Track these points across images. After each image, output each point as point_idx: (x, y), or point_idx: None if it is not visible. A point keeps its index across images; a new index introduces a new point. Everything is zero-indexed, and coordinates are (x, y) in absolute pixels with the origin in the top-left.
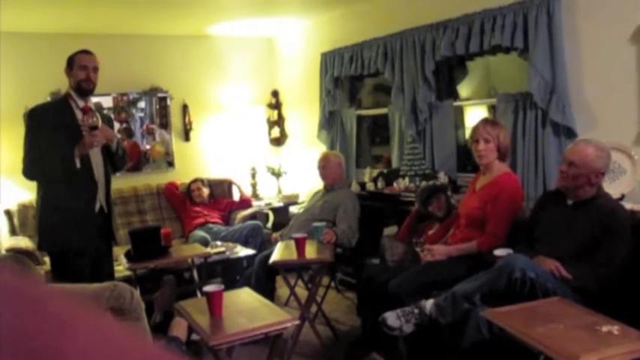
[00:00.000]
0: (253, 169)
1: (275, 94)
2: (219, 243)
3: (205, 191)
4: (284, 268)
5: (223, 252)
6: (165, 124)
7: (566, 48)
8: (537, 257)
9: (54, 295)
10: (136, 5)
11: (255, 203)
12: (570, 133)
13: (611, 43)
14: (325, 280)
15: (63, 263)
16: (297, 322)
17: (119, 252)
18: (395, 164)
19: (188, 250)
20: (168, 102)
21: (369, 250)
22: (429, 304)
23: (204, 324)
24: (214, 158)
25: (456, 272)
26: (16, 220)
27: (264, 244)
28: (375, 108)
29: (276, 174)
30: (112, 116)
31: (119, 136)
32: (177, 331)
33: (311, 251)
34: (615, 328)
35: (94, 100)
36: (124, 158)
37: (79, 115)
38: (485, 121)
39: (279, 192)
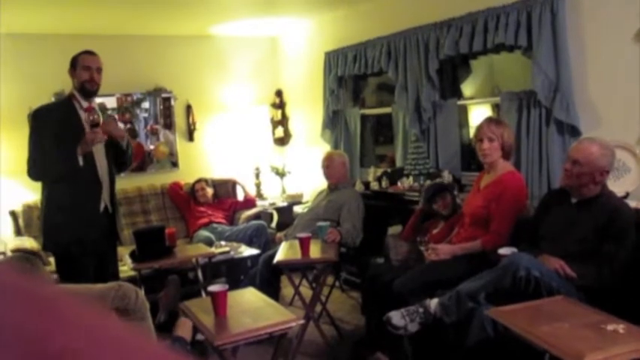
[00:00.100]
0: (257, 168)
1: (279, 93)
2: (223, 243)
3: (209, 191)
4: (288, 267)
5: (228, 252)
6: (169, 125)
7: (570, 46)
8: (542, 256)
9: (60, 296)
10: (140, 6)
11: (259, 203)
12: (574, 132)
13: (616, 42)
14: (330, 280)
15: (68, 263)
16: (301, 321)
17: (124, 252)
18: (399, 163)
19: (192, 250)
20: (172, 102)
21: (374, 250)
22: (433, 303)
23: (208, 324)
24: (218, 158)
25: (460, 271)
26: (21, 221)
27: (268, 244)
28: (379, 107)
29: (280, 174)
30: (116, 117)
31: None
32: (182, 331)
33: (315, 251)
34: (621, 327)
35: (97, 100)
36: (131, 157)
37: (82, 115)
38: (489, 120)
39: (283, 192)
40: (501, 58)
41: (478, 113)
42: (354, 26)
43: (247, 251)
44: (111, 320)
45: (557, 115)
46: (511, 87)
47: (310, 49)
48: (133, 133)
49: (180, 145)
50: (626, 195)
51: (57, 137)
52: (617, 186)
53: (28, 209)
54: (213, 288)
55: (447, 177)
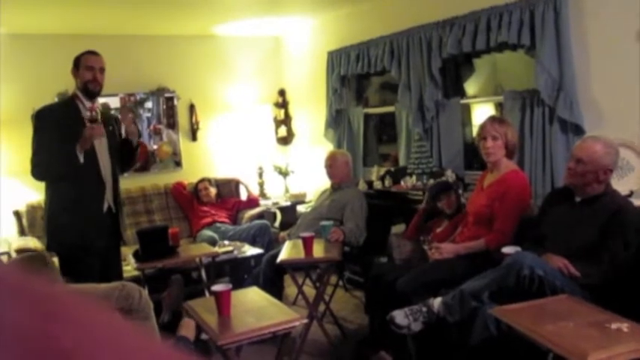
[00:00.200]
0: (260, 168)
1: (282, 93)
2: (226, 242)
3: (213, 191)
4: (292, 267)
5: (231, 251)
6: (172, 124)
7: (574, 45)
8: (545, 255)
9: (65, 295)
10: (143, 6)
11: (262, 202)
12: (578, 130)
13: (619, 40)
14: (333, 279)
15: (71, 263)
16: (305, 321)
17: (127, 252)
18: (402, 162)
19: (196, 250)
20: (175, 102)
21: (377, 249)
22: (436, 302)
23: (212, 323)
24: (221, 158)
25: (463, 270)
26: (24, 221)
27: (271, 243)
28: (382, 106)
29: (284, 173)
30: (119, 117)
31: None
32: (186, 331)
33: (319, 250)
34: (625, 326)
35: (101, 100)
36: (137, 157)
37: (86, 115)
38: (492, 119)
39: (287, 191)
40: (504, 56)
41: (481, 112)
42: (357, 25)
43: (250, 251)
44: (116, 319)
45: (561, 114)
46: (514, 86)
47: (313, 49)
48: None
49: (184, 144)
50: (630, 193)
51: (60, 137)
52: (621, 184)
53: (32, 209)
54: (216, 287)
55: (450, 176)
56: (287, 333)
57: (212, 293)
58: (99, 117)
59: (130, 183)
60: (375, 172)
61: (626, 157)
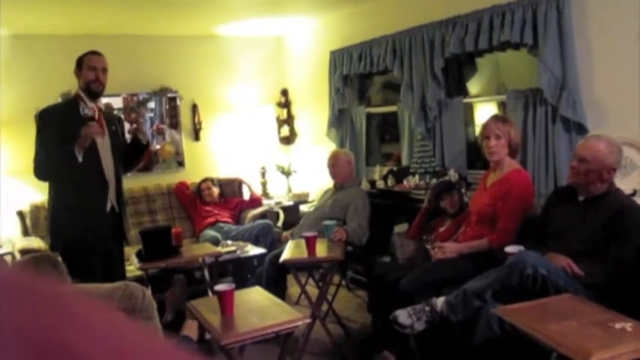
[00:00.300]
0: (263, 168)
1: (284, 92)
2: (229, 242)
3: (215, 191)
4: (295, 266)
5: (234, 251)
6: (175, 124)
7: (576, 43)
8: (549, 254)
9: (70, 294)
10: (145, 6)
11: (265, 202)
12: (581, 129)
13: (622, 39)
14: (336, 279)
15: (75, 263)
16: (308, 320)
17: (130, 252)
18: (405, 162)
19: (199, 250)
20: (178, 102)
21: (380, 248)
22: (440, 301)
23: (215, 323)
24: (224, 158)
25: (466, 269)
26: (28, 221)
27: (274, 243)
28: (385, 106)
29: (286, 173)
30: (122, 116)
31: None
32: (189, 331)
33: (321, 250)
34: (629, 325)
35: (104, 100)
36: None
37: (95, 112)
38: (495, 118)
39: (289, 191)
40: (507, 55)
41: (484, 111)
42: (359, 25)
43: (253, 250)
44: (120, 319)
45: (564, 113)
46: (517, 85)
47: (315, 48)
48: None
49: (186, 144)
50: (634, 192)
51: (62, 137)
52: (624, 183)
53: (36, 209)
54: (219, 287)
55: (452, 175)
56: (290, 333)
57: (215, 293)
58: (96, 115)
59: (132, 183)
60: (377, 172)
61: (629, 156)
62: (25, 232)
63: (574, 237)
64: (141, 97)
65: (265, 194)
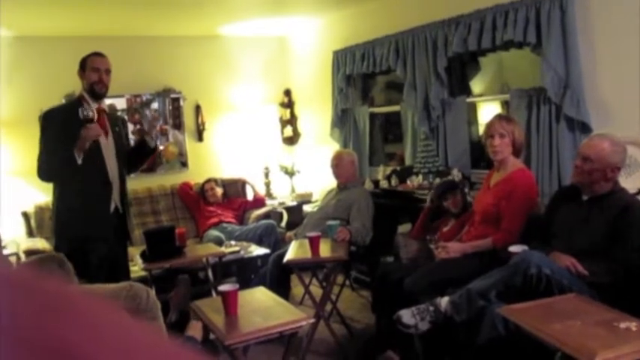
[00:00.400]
0: (266, 168)
1: (287, 93)
2: (233, 242)
3: (219, 191)
4: (298, 266)
5: (238, 251)
6: (178, 125)
7: (580, 42)
8: (553, 253)
9: (76, 294)
10: (148, 7)
11: (268, 202)
12: (585, 128)
13: (625, 38)
14: (340, 279)
15: (79, 264)
16: (312, 320)
17: (134, 252)
18: (408, 162)
19: (202, 250)
20: (181, 103)
21: (384, 248)
22: (444, 301)
23: (219, 323)
24: (228, 158)
25: (470, 269)
26: (33, 222)
27: (278, 243)
28: (388, 105)
29: (290, 173)
30: (126, 117)
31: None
32: (193, 331)
33: (325, 250)
34: (633, 325)
35: (107, 101)
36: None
37: (94, 114)
38: (499, 117)
39: (293, 191)
40: (510, 55)
41: (487, 111)
42: (362, 25)
43: (257, 250)
44: (125, 319)
45: (568, 112)
46: (520, 84)
47: (318, 48)
48: (142, 133)
49: (190, 145)
50: (638, 191)
51: (65, 138)
52: (628, 182)
53: (40, 210)
54: (223, 287)
55: (456, 175)
56: (294, 333)
57: (219, 293)
58: (95, 116)
59: (136, 184)
60: (381, 172)
61: (633, 155)
62: (30, 233)
63: (578, 236)
64: (144, 98)
65: (269, 194)
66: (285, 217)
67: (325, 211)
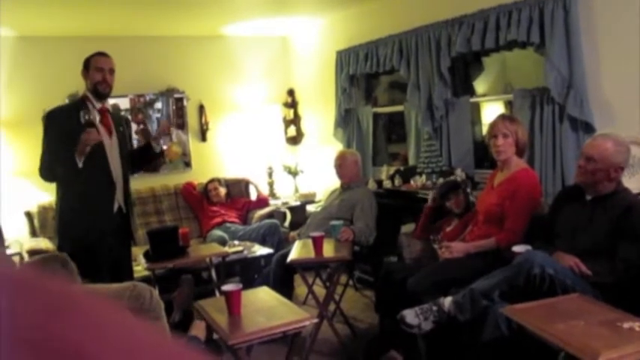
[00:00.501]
0: (270, 168)
1: (291, 92)
2: (236, 242)
3: (222, 191)
4: (302, 266)
5: (241, 251)
6: (181, 125)
7: (583, 42)
8: (556, 253)
9: (80, 294)
10: (152, 7)
11: (272, 202)
12: (588, 128)
13: (629, 37)
14: (343, 279)
15: (82, 264)
16: (315, 320)
17: (138, 252)
18: (412, 162)
19: (206, 250)
20: (185, 102)
21: (387, 248)
22: (447, 301)
23: (222, 323)
24: (231, 158)
25: (474, 269)
26: (36, 222)
27: (281, 243)
28: (391, 105)
29: (293, 173)
30: (130, 117)
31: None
32: (197, 331)
33: (329, 249)
34: (637, 325)
35: (111, 101)
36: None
37: (95, 115)
38: (503, 117)
39: (296, 191)
40: (514, 55)
41: (491, 111)
42: (366, 25)
43: (261, 250)
44: (128, 318)
45: (571, 112)
46: (524, 84)
47: (322, 48)
48: (146, 134)
49: (193, 145)
50: None
51: (68, 138)
52: (632, 182)
53: (43, 210)
54: (226, 287)
55: (459, 175)
56: (297, 332)
57: (222, 293)
58: (96, 120)
59: (139, 183)
60: (384, 172)
61: (637, 155)
62: (33, 233)
63: (581, 236)
64: (148, 98)
65: (272, 194)
66: (289, 217)
67: (329, 211)
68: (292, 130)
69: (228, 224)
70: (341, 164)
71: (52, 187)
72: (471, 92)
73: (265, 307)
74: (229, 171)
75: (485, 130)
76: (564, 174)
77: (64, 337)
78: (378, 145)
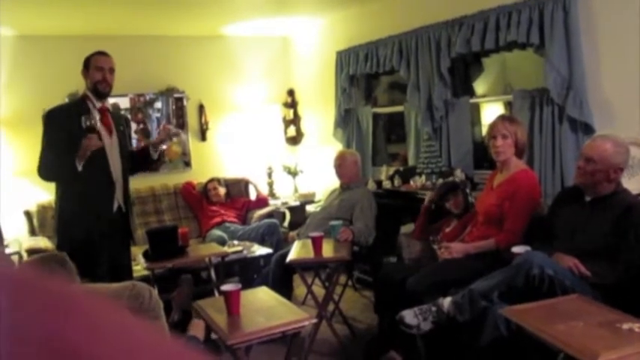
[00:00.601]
0: (270, 168)
1: (291, 92)
2: (236, 242)
3: (222, 191)
4: (301, 266)
5: (240, 251)
6: (181, 125)
7: (583, 43)
8: (555, 254)
9: (78, 293)
10: (152, 7)
11: (271, 202)
12: (588, 129)
13: (629, 38)
14: (342, 279)
15: (82, 263)
16: (314, 320)
17: (137, 252)
18: (411, 162)
19: (205, 250)
20: (185, 102)
21: (386, 249)
22: (446, 301)
23: (221, 323)
24: (231, 158)
25: (473, 270)
26: (35, 221)
27: (280, 243)
28: (391, 106)
29: (293, 173)
30: (129, 116)
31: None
32: (195, 331)
33: (328, 250)
34: (636, 326)
35: (111, 101)
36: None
37: (96, 116)
38: (503, 118)
39: (296, 191)
40: (513, 55)
41: (490, 111)
42: (366, 25)
43: (260, 250)
44: (128, 319)
45: (571, 113)
46: (523, 85)
47: (322, 49)
48: (146, 133)
49: (193, 144)
50: None
51: (68, 137)
52: (631, 183)
53: (43, 209)
54: (226, 287)
55: (459, 175)
56: (296, 333)
57: (221, 293)
58: (98, 125)
59: (139, 183)
60: (384, 172)
61: (636, 156)
62: (32, 232)
63: (581, 237)
64: (147, 98)
65: (272, 194)
66: (288, 216)
67: (328, 211)
68: (292, 130)
69: (227, 224)
70: (340, 164)
71: (52, 186)
72: (471, 93)
73: (264, 307)
74: (229, 171)
75: (484, 130)
76: (564, 175)
77: (64, 336)
78: (378, 146)
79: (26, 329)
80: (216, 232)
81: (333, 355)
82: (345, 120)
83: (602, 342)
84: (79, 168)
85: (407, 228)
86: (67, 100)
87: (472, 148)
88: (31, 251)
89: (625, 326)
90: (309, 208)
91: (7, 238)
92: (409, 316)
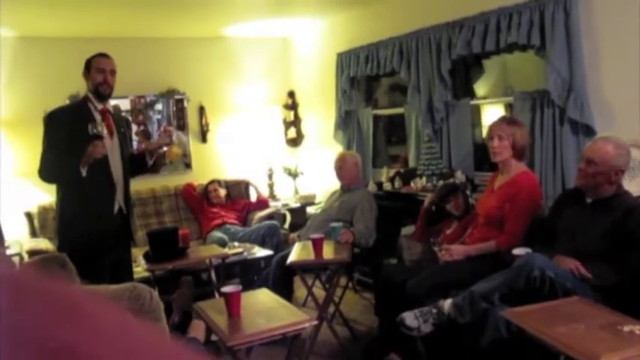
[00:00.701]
0: (270, 169)
1: (291, 94)
2: (236, 244)
3: (222, 192)
4: (301, 268)
5: (241, 253)
6: (182, 126)
7: (584, 45)
8: (556, 256)
9: (79, 295)
10: (153, 8)
11: (272, 204)
12: (589, 131)
13: (630, 40)
14: (343, 281)
15: (82, 264)
16: (315, 322)
17: (138, 253)
18: (412, 164)
19: (206, 251)
20: (185, 104)
21: (387, 250)
22: (447, 303)
23: (222, 324)
24: (231, 159)
25: (474, 272)
26: (36, 222)
27: (281, 244)
28: (392, 107)
29: (293, 174)
30: (130, 118)
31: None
32: (196, 332)
33: (328, 251)
34: (637, 328)
35: (112, 102)
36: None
37: (97, 117)
38: (502, 119)
39: (296, 192)
40: (514, 57)
41: (491, 113)
42: (366, 27)
43: (260, 252)
44: (129, 320)
45: (571, 115)
46: (524, 86)
47: (322, 50)
48: (147, 135)
49: (194, 146)
50: None
51: (69, 139)
52: (632, 185)
53: (44, 211)
54: (226, 289)
55: (459, 177)
56: (297, 334)
57: (222, 294)
58: (104, 133)
59: (140, 184)
60: (384, 174)
61: (637, 158)
62: (33, 234)
63: (582, 239)
64: (148, 99)
65: (272, 196)
66: (289, 218)
67: (329, 213)
68: (292, 132)
69: (228, 226)
70: (341, 166)
71: (53, 187)
72: (472, 95)
73: (265, 309)
74: (229, 172)
75: (485, 132)
76: (564, 177)
77: (64, 338)
78: (378, 147)
79: (26, 330)
80: (217, 234)
81: (334, 357)
82: (346, 122)
83: (603, 344)
84: (84, 173)
85: (407, 230)
86: (67, 102)
87: (473, 149)
88: (32, 252)
89: (626, 328)
90: (310, 209)
91: (8, 239)
92: (410, 318)
